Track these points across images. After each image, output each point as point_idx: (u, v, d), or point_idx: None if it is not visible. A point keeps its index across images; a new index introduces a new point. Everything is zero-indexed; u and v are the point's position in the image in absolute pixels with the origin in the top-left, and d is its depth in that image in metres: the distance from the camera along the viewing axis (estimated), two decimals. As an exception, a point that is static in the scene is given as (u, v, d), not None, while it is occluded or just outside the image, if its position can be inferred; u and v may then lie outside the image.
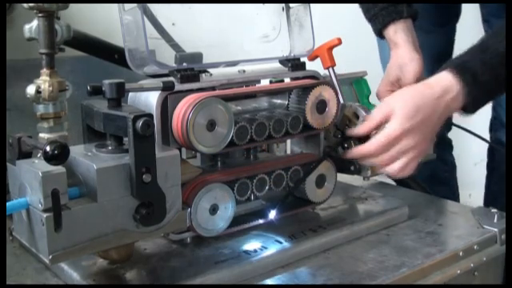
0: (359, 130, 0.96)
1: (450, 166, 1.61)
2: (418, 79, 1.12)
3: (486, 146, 1.56)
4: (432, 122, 0.92)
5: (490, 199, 1.53)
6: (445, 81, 0.93)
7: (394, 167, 0.92)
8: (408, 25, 1.15)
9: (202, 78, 0.85)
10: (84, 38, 1.21)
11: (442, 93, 0.92)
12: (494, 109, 1.51)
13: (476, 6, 1.48)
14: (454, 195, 1.59)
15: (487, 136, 1.54)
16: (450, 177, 1.61)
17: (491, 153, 1.55)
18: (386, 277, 0.81)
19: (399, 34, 1.13)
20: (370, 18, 1.18)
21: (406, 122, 0.90)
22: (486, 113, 1.53)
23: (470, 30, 1.48)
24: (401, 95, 0.95)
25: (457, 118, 1.13)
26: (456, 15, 1.48)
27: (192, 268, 0.80)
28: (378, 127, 0.93)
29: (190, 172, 0.81)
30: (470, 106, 0.95)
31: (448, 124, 1.12)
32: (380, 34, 1.17)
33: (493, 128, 1.53)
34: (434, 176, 1.52)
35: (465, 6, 1.48)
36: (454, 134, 1.52)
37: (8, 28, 1.02)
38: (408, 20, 1.15)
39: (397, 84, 1.13)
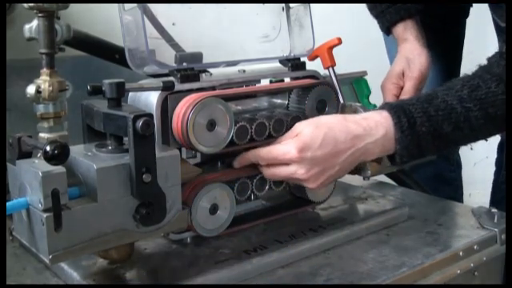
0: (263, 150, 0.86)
1: (456, 166, 1.59)
2: (423, 75, 1.12)
3: (485, 145, 1.56)
4: (341, 159, 0.83)
5: (497, 196, 1.52)
6: (370, 117, 0.86)
7: (314, 180, 0.84)
8: (417, 22, 1.15)
9: (201, 78, 0.85)
10: (84, 38, 1.21)
11: (362, 132, 0.84)
12: None
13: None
14: (459, 195, 1.58)
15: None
16: (456, 176, 1.60)
17: (501, 149, 1.54)
18: (386, 277, 0.81)
19: (409, 30, 1.14)
20: (377, 14, 1.18)
21: (303, 150, 0.81)
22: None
23: (479, 25, 1.47)
24: (317, 121, 0.85)
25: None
26: (465, 11, 1.46)
27: (192, 268, 0.80)
28: None
29: (190, 172, 0.81)
30: (398, 156, 0.86)
31: None
32: (387, 31, 1.17)
33: None
34: (439, 175, 1.51)
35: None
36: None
37: (8, 28, 1.02)
38: (416, 17, 1.15)
39: (401, 77, 1.12)
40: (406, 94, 1.11)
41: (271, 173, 0.86)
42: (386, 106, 0.87)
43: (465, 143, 0.92)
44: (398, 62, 1.13)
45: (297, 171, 0.83)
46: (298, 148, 0.82)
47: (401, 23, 1.14)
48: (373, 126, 0.85)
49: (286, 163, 0.84)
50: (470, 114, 0.85)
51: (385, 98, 1.15)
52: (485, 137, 0.91)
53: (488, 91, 0.85)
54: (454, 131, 0.85)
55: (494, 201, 1.51)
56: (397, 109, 0.85)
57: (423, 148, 0.86)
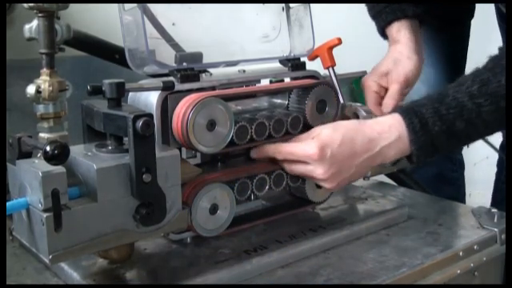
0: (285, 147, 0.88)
1: (458, 166, 1.59)
2: (409, 80, 1.08)
3: (486, 145, 1.56)
4: (358, 161, 0.85)
5: (498, 196, 1.52)
6: (385, 122, 0.87)
7: (332, 180, 0.86)
8: (413, 25, 1.11)
9: (201, 78, 0.85)
10: (84, 38, 1.21)
11: (377, 136, 0.86)
12: None
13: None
14: (461, 195, 1.58)
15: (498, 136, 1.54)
16: (458, 176, 1.59)
17: (503, 149, 1.53)
18: (386, 277, 0.81)
19: (403, 32, 1.09)
20: (374, 15, 1.15)
21: (323, 149, 0.83)
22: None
23: (484, 25, 1.46)
24: (335, 124, 0.88)
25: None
26: (469, 11, 1.44)
27: (192, 268, 0.80)
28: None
29: (190, 172, 0.81)
30: (414, 156, 0.87)
31: None
32: (383, 32, 1.14)
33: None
34: (441, 175, 1.51)
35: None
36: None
37: (8, 28, 1.02)
38: (414, 20, 1.12)
39: (385, 78, 1.08)
40: (390, 99, 1.07)
41: (290, 169, 0.89)
42: (397, 109, 0.89)
43: (481, 137, 0.94)
44: (385, 63, 1.10)
45: (315, 170, 0.85)
46: (319, 147, 0.84)
47: (395, 23, 1.10)
48: (386, 130, 0.86)
49: (305, 162, 0.86)
50: (482, 110, 0.85)
51: (365, 94, 1.12)
52: (500, 129, 0.93)
53: (499, 85, 0.85)
54: (467, 127, 0.86)
55: (496, 201, 1.50)
56: (408, 111, 0.87)
57: (438, 147, 0.87)
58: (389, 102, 1.06)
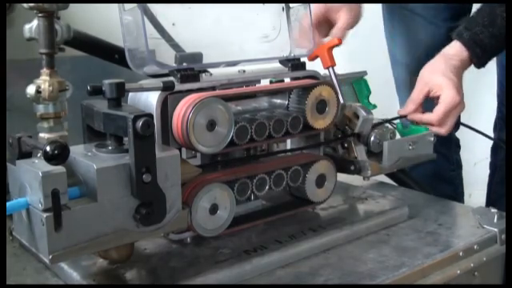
0: (406, 110, 1.13)
1: (456, 165, 1.60)
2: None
3: (486, 145, 1.56)
4: (460, 83, 1.11)
5: (492, 198, 1.53)
6: (459, 54, 1.11)
7: (447, 128, 1.10)
8: None
9: (201, 78, 0.85)
10: (84, 38, 1.21)
11: (459, 63, 1.11)
12: (499, 109, 1.51)
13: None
14: (458, 194, 1.58)
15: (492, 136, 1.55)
16: (455, 176, 1.60)
17: (495, 151, 1.55)
18: (385, 277, 0.81)
19: None
20: None
21: (457, 91, 1.07)
22: (491, 112, 1.54)
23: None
24: (432, 69, 1.11)
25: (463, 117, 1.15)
26: (465, 12, 1.45)
27: (192, 268, 0.80)
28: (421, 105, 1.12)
29: (190, 172, 0.81)
30: (476, 66, 1.13)
31: (456, 123, 1.13)
32: None
33: (497, 127, 1.53)
34: (439, 174, 1.52)
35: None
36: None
37: (8, 28, 1.02)
38: None
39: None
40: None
41: (445, 125, 1.11)
42: (460, 39, 1.12)
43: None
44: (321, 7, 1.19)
45: (461, 106, 1.10)
46: (453, 93, 1.07)
47: None
48: (462, 58, 1.12)
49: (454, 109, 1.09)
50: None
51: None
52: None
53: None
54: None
55: (490, 203, 1.51)
56: (471, 42, 1.10)
57: (494, 55, 1.15)
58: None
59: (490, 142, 1.52)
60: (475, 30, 1.10)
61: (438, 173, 1.51)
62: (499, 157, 1.52)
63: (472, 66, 1.13)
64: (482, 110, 1.67)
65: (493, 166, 1.57)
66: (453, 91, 1.07)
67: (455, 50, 1.13)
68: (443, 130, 1.11)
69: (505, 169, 1.48)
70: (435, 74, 1.11)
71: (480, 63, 1.13)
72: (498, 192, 1.52)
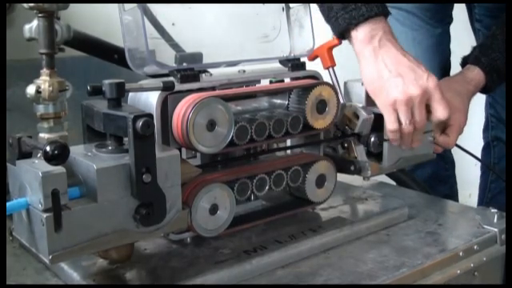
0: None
1: (450, 165, 1.62)
2: None
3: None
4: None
5: (487, 198, 1.53)
6: (477, 79, 1.13)
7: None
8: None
9: (202, 78, 0.85)
10: (84, 38, 1.21)
11: (473, 89, 1.13)
12: (491, 106, 1.51)
13: (462, 7, 1.47)
14: (454, 193, 1.59)
15: (480, 134, 1.56)
16: (450, 174, 1.62)
17: (487, 152, 1.55)
18: (386, 277, 0.81)
19: None
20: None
21: (466, 117, 1.10)
22: (479, 111, 1.54)
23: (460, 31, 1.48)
24: (449, 88, 1.08)
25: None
26: (447, 17, 1.47)
27: (192, 268, 0.80)
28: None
29: (190, 172, 0.81)
30: (486, 92, 1.18)
31: None
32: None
33: (489, 126, 1.54)
34: (436, 175, 1.53)
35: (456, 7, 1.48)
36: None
37: (8, 28, 1.02)
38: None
39: None
40: None
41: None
42: (478, 64, 1.13)
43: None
44: None
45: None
46: (463, 117, 1.10)
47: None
48: (478, 82, 1.14)
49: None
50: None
51: None
52: None
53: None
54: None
55: (484, 203, 1.51)
56: (489, 67, 1.13)
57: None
58: None
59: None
60: (493, 56, 1.12)
61: (435, 173, 1.52)
62: (494, 155, 1.53)
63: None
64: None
65: (483, 166, 1.58)
66: (465, 118, 1.10)
67: (474, 74, 1.14)
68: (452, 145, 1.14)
69: (502, 165, 1.49)
70: (453, 94, 1.09)
71: (492, 88, 1.15)
72: (493, 189, 1.53)
